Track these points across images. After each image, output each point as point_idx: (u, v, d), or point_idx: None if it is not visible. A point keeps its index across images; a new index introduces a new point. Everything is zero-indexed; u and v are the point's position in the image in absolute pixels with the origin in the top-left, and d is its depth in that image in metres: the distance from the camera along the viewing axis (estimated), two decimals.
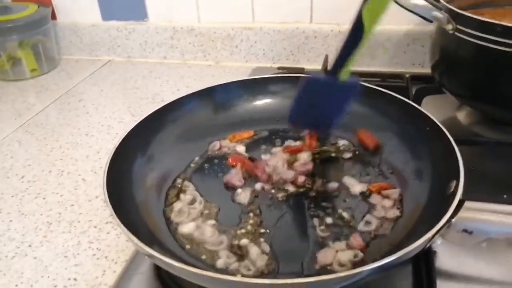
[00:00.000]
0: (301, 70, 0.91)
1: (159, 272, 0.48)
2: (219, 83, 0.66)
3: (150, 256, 0.39)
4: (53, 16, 1.04)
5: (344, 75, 0.49)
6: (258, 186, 0.55)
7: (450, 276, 0.47)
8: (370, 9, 0.44)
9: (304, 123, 0.57)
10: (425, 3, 0.61)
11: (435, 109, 0.70)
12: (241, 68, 0.97)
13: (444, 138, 0.51)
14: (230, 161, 0.59)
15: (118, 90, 0.93)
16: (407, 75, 0.83)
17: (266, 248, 0.47)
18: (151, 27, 1.00)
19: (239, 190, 0.55)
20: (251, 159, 0.60)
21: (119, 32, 1.03)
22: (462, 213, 0.41)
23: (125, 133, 0.55)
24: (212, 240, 0.48)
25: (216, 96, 0.65)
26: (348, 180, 0.55)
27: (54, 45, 1.04)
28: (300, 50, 0.94)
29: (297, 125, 0.58)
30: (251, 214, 0.52)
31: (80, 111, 0.86)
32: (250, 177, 0.57)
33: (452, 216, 0.41)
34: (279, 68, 0.94)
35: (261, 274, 0.44)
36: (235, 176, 0.56)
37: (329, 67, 0.50)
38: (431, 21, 0.62)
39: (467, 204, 0.42)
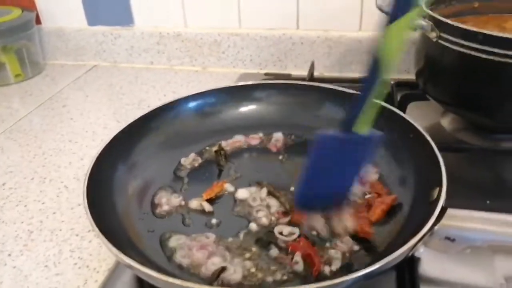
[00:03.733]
0: (287, 76, 0.92)
1: (142, 282, 0.47)
2: (203, 90, 0.65)
3: (130, 266, 0.38)
4: (38, 21, 1.03)
5: (361, 128, 0.41)
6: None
7: (434, 282, 0.47)
8: (389, 40, 0.37)
9: (315, 203, 0.46)
10: None
11: (420, 115, 0.70)
12: (228, 74, 0.96)
13: (427, 145, 0.51)
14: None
15: (103, 96, 0.92)
16: (391, 81, 0.83)
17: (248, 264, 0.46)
18: (137, 32, 0.99)
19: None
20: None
21: (105, 37, 1.02)
22: (445, 221, 0.41)
23: (107, 141, 0.54)
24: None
25: (201, 103, 0.64)
26: None
27: (39, 50, 1.03)
28: (287, 56, 0.94)
29: (307, 208, 0.48)
30: None
31: (64, 116, 0.85)
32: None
33: (434, 224, 0.41)
34: (266, 74, 0.94)
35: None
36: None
37: (343, 121, 0.41)
38: (414, 29, 0.62)
39: (450, 211, 0.42)
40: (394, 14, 0.37)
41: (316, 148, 0.43)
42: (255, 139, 0.64)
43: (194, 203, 0.54)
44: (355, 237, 0.47)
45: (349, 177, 0.45)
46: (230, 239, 0.49)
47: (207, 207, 0.53)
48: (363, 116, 0.40)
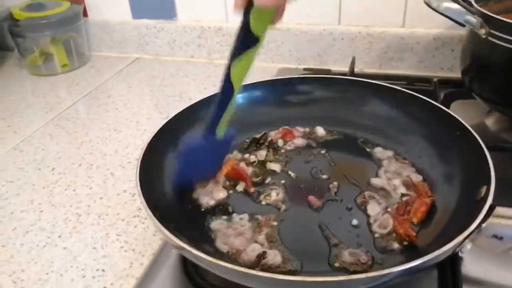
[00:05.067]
0: (327, 72, 0.92)
1: (185, 266, 0.49)
2: (248, 82, 0.66)
3: (180, 248, 0.40)
4: (85, 13, 1.06)
5: (221, 131, 0.52)
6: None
7: (476, 283, 0.46)
8: (237, 69, 0.47)
9: (190, 178, 0.56)
10: (458, 7, 0.61)
11: (464, 114, 0.68)
12: (267, 69, 0.97)
13: (475, 143, 0.50)
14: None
15: (146, 87, 0.95)
16: (435, 79, 0.82)
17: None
18: (179, 26, 1.02)
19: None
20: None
21: (148, 30, 1.04)
22: (492, 219, 0.41)
23: (158, 128, 0.56)
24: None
25: (246, 95, 0.65)
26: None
27: (85, 41, 1.07)
28: (327, 52, 0.94)
29: (185, 182, 0.55)
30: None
31: (109, 106, 0.88)
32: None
33: (482, 221, 0.40)
34: (305, 69, 0.94)
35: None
36: None
37: (205, 126, 0.52)
38: (463, 25, 0.61)
39: (498, 210, 0.42)
40: (240, 47, 0.46)
41: (183, 148, 0.54)
42: (298, 132, 0.65)
43: (205, 199, 0.55)
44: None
45: (215, 162, 0.56)
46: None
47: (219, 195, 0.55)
48: (221, 123, 0.51)
